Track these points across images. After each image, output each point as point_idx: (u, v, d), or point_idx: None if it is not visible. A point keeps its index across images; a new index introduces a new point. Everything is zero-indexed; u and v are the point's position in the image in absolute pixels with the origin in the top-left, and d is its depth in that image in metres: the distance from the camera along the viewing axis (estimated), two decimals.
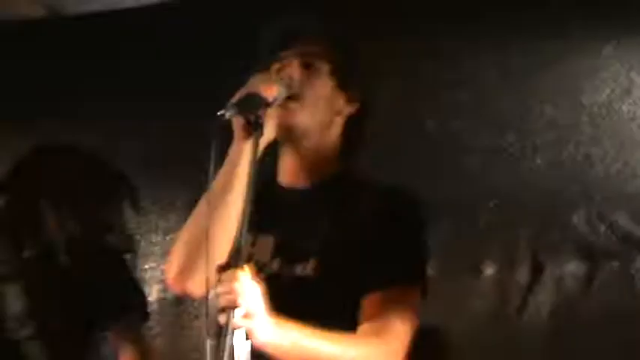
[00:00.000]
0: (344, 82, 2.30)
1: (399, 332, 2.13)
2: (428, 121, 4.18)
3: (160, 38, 4.52)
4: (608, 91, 4.06)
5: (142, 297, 3.35)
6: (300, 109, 2.21)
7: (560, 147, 4.03)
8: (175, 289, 2.24)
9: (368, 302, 2.13)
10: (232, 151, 2.13)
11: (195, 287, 2.12)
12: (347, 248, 2.16)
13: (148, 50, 4.60)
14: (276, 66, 2.25)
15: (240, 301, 1.86)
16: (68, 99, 4.61)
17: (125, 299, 3.31)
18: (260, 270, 2.11)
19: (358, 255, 2.15)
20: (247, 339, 1.90)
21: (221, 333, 1.87)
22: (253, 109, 2.04)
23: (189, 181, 3.88)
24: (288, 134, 2.23)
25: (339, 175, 2.31)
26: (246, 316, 1.88)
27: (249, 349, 1.90)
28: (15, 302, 3.16)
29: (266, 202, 2.20)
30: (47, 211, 3.20)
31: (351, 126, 2.34)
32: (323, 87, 2.28)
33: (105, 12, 4.91)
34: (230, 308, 1.85)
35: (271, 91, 2.08)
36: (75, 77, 4.69)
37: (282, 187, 2.32)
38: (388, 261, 2.18)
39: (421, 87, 4.26)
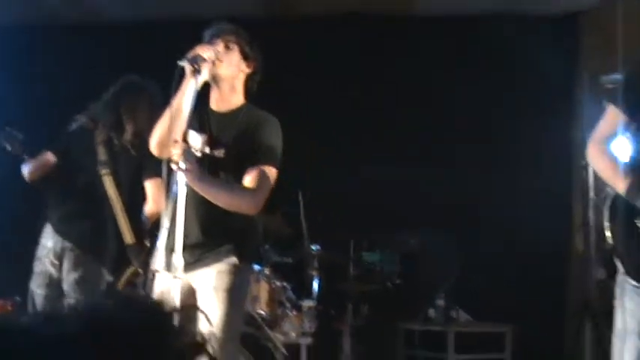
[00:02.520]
0: (245, 55, 3.70)
1: (264, 187, 3.57)
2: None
3: None
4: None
5: None
6: (221, 66, 3.57)
7: None
8: (155, 152, 3.58)
9: (249, 170, 3.55)
10: (183, 85, 3.46)
11: (164, 152, 3.47)
12: (240, 144, 3.59)
13: None
14: (211, 45, 3.55)
15: (183, 159, 3.28)
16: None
17: None
18: (197, 150, 3.53)
19: (246, 148, 3.57)
20: (186, 182, 3.31)
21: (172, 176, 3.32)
22: (197, 62, 3.42)
23: None
24: (215, 78, 3.61)
25: (242, 106, 3.72)
26: (185, 169, 3.27)
27: (186, 186, 3.32)
28: None
29: (203, 116, 3.66)
30: None
31: (249, 79, 3.75)
32: (234, 56, 3.66)
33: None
34: (177, 162, 3.28)
35: (206, 53, 3.47)
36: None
37: (212, 110, 3.72)
38: (261, 151, 3.59)
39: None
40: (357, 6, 6.49)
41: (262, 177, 3.57)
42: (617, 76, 3.64)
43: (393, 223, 6.01)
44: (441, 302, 6.07)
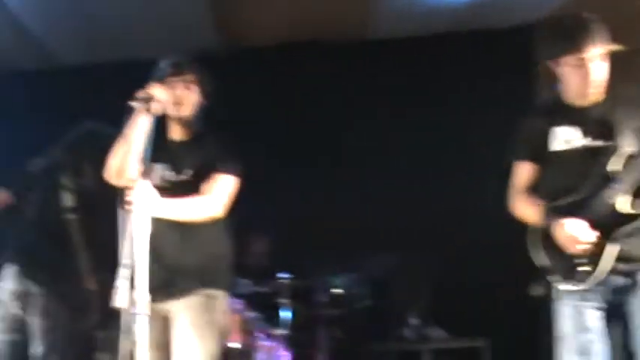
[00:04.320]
0: (204, 93, 3.80)
1: (223, 191, 3.66)
2: None
3: None
4: None
5: None
6: (183, 108, 3.72)
7: None
8: (112, 181, 3.62)
9: (208, 182, 3.66)
10: (134, 121, 3.47)
11: (121, 180, 3.52)
12: (203, 166, 3.68)
13: None
14: (166, 82, 3.61)
15: (139, 196, 3.24)
16: None
17: None
18: (162, 180, 3.68)
19: (209, 168, 3.66)
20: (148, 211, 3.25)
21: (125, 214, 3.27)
22: (148, 102, 3.44)
23: None
24: (177, 117, 3.74)
25: (202, 133, 3.82)
26: (145, 199, 3.26)
27: (150, 216, 3.26)
28: None
29: (163, 147, 3.69)
30: None
31: (204, 109, 3.84)
32: (194, 96, 3.78)
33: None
34: (131, 204, 3.24)
35: (162, 95, 3.51)
36: None
37: (172, 139, 3.83)
38: (219, 163, 3.68)
39: None
40: (309, 35, 6.58)
41: (220, 183, 3.65)
42: None
43: (362, 246, 5.97)
44: (414, 321, 6.07)
